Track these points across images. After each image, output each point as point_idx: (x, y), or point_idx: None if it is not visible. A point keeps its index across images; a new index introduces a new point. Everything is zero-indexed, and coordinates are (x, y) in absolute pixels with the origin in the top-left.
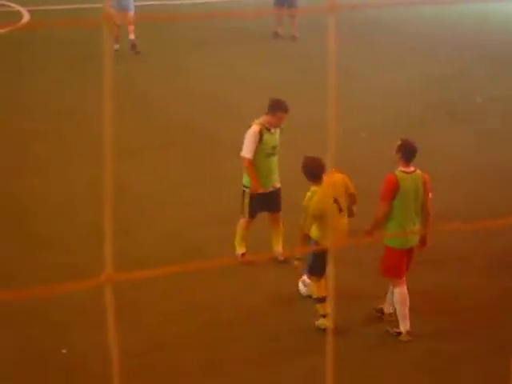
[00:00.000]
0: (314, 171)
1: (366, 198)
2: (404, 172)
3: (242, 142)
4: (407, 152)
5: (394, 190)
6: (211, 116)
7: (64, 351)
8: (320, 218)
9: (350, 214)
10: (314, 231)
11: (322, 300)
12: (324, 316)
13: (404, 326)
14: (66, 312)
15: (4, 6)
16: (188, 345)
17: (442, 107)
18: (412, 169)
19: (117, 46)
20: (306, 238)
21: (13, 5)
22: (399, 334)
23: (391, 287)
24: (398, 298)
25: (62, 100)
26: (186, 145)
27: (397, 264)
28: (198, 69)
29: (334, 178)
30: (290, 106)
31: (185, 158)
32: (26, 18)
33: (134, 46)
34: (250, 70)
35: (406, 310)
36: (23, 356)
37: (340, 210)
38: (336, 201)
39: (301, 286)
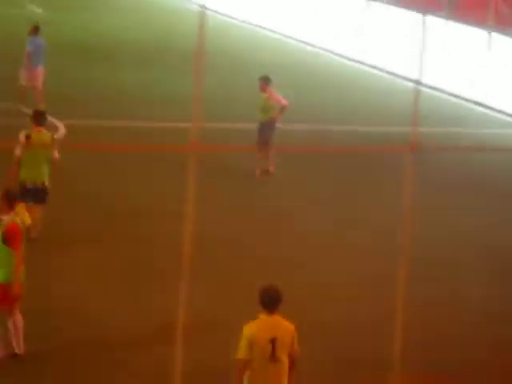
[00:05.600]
0: (265, 299)
1: None
2: None
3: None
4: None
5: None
6: None
7: None
8: (250, 345)
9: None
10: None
11: None
12: None
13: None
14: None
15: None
16: None
17: None
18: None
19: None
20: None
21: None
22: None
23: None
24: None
25: None
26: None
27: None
28: None
29: (284, 323)
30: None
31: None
32: None
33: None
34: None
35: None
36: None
37: (273, 356)
38: (273, 341)
39: None
